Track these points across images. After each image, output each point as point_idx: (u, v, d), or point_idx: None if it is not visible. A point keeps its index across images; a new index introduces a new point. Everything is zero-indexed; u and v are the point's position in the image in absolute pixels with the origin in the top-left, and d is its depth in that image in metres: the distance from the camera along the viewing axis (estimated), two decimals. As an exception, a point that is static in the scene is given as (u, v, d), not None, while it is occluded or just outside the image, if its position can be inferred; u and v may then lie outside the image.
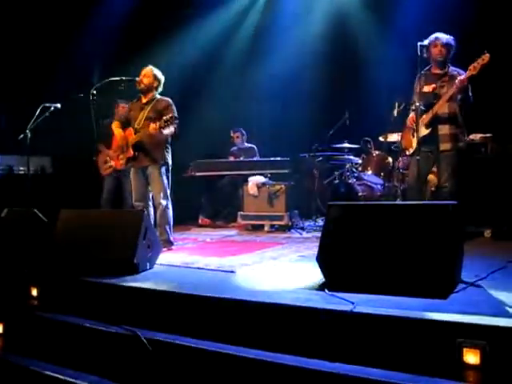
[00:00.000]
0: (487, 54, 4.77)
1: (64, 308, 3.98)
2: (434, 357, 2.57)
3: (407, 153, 5.27)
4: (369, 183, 7.24)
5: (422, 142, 5.07)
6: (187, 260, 4.89)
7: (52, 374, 3.41)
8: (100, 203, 7.15)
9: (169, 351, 3.20)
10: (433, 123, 5.14)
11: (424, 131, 5.13)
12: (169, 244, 5.55)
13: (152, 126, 5.25)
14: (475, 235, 5.55)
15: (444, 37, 5.17)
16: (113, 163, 5.93)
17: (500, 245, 5.32)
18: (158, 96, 5.66)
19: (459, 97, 5.09)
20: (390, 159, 7.10)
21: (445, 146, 5.19)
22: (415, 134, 5.04)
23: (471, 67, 4.86)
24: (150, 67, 5.63)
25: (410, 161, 5.20)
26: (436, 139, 5.19)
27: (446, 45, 5.18)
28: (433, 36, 5.07)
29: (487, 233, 5.79)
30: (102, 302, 3.88)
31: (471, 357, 2.47)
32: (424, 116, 5.14)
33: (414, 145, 5.16)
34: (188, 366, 3.12)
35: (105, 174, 7.18)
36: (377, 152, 7.30)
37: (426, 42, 5.06)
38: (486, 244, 5.36)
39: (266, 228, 7.32)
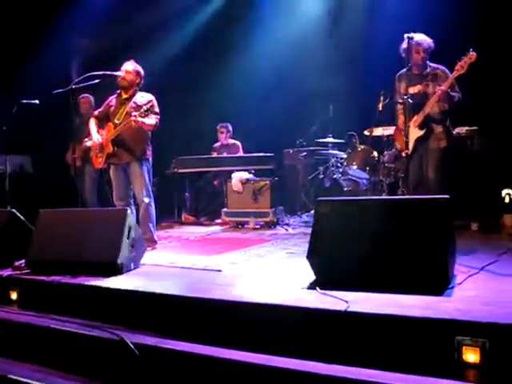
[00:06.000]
0: (474, 53, 4.73)
1: (44, 311, 3.83)
2: (432, 356, 2.49)
3: (403, 154, 5.19)
4: (354, 178, 7.17)
5: (418, 142, 5.18)
6: (172, 259, 4.77)
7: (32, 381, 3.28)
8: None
9: (154, 354, 3.08)
10: (425, 123, 5.17)
11: (418, 132, 5.18)
12: (153, 243, 5.42)
13: (131, 118, 5.13)
14: (462, 228, 5.51)
15: (425, 42, 5.15)
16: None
17: (488, 238, 5.31)
18: (140, 92, 5.52)
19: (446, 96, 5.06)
20: (376, 153, 7.03)
21: (442, 142, 5.22)
22: (410, 136, 4.99)
23: (458, 67, 4.82)
24: (132, 63, 5.47)
25: (408, 161, 5.13)
26: (431, 137, 5.22)
27: (428, 49, 5.19)
28: (413, 40, 4.97)
29: (474, 226, 5.78)
30: (85, 305, 3.75)
31: (471, 355, 2.40)
32: (416, 117, 5.16)
33: (411, 146, 5.10)
34: (175, 369, 3.00)
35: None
36: (362, 146, 7.23)
37: (406, 45, 4.99)
38: (475, 237, 5.33)
39: (250, 225, 7.22)
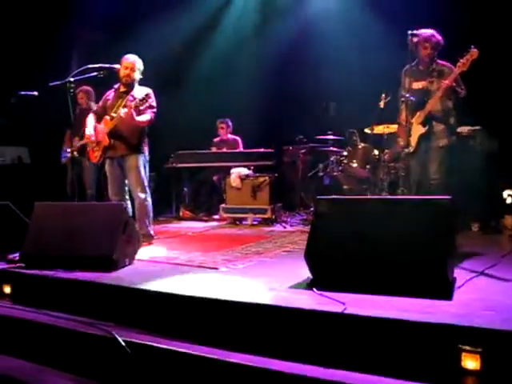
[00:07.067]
0: (475, 50, 4.63)
1: (38, 306, 3.77)
2: (430, 362, 2.43)
3: (407, 151, 5.09)
4: (354, 176, 7.10)
5: (421, 138, 5.05)
6: (168, 255, 4.72)
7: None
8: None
9: (146, 352, 3.01)
10: (428, 121, 5.05)
11: (421, 129, 5.06)
12: (148, 238, 5.35)
13: (123, 110, 5.08)
14: (463, 229, 5.44)
15: (434, 38, 5.02)
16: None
17: (489, 239, 5.26)
18: (138, 85, 5.44)
19: (451, 92, 4.95)
20: (376, 152, 6.95)
21: (442, 141, 5.09)
22: (413, 132, 4.94)
23: (460, 64, 4.73)
24: (133, 59, 5.37)
25: (410, 159, 5.06)
26: (432, 135, 5.09)
27: (436, 45, 5.05)
28: (422, 35, 4.87)
29: (475, 227, 5.72)
30: (78, 300, 3.69)
31: (470, 362, 2.34)
32: (418, 113, 5.04)
33: (414, 143, 5.06)
34: (166, 368, 2.94)
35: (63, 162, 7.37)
36: (362, 144, 7.15)
37: (415, 40, 4.90)
38: (475, 239, 5.26)
39: (248, 221, 7.15)
